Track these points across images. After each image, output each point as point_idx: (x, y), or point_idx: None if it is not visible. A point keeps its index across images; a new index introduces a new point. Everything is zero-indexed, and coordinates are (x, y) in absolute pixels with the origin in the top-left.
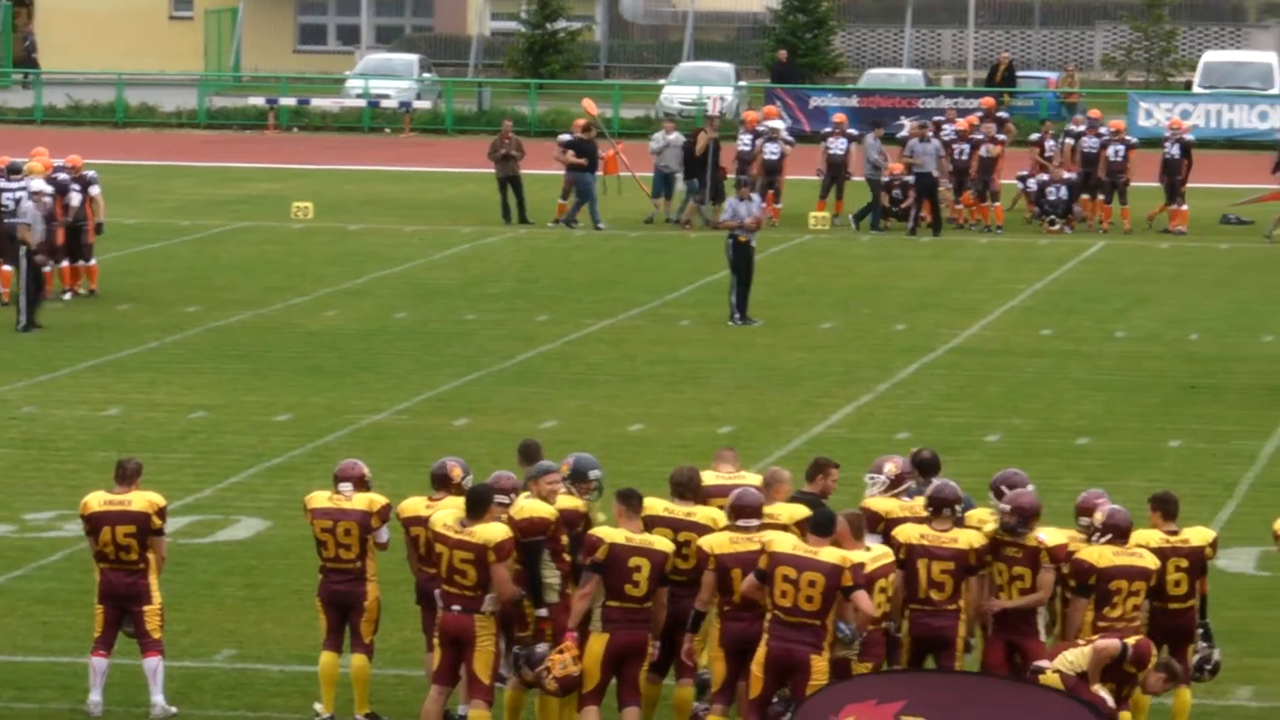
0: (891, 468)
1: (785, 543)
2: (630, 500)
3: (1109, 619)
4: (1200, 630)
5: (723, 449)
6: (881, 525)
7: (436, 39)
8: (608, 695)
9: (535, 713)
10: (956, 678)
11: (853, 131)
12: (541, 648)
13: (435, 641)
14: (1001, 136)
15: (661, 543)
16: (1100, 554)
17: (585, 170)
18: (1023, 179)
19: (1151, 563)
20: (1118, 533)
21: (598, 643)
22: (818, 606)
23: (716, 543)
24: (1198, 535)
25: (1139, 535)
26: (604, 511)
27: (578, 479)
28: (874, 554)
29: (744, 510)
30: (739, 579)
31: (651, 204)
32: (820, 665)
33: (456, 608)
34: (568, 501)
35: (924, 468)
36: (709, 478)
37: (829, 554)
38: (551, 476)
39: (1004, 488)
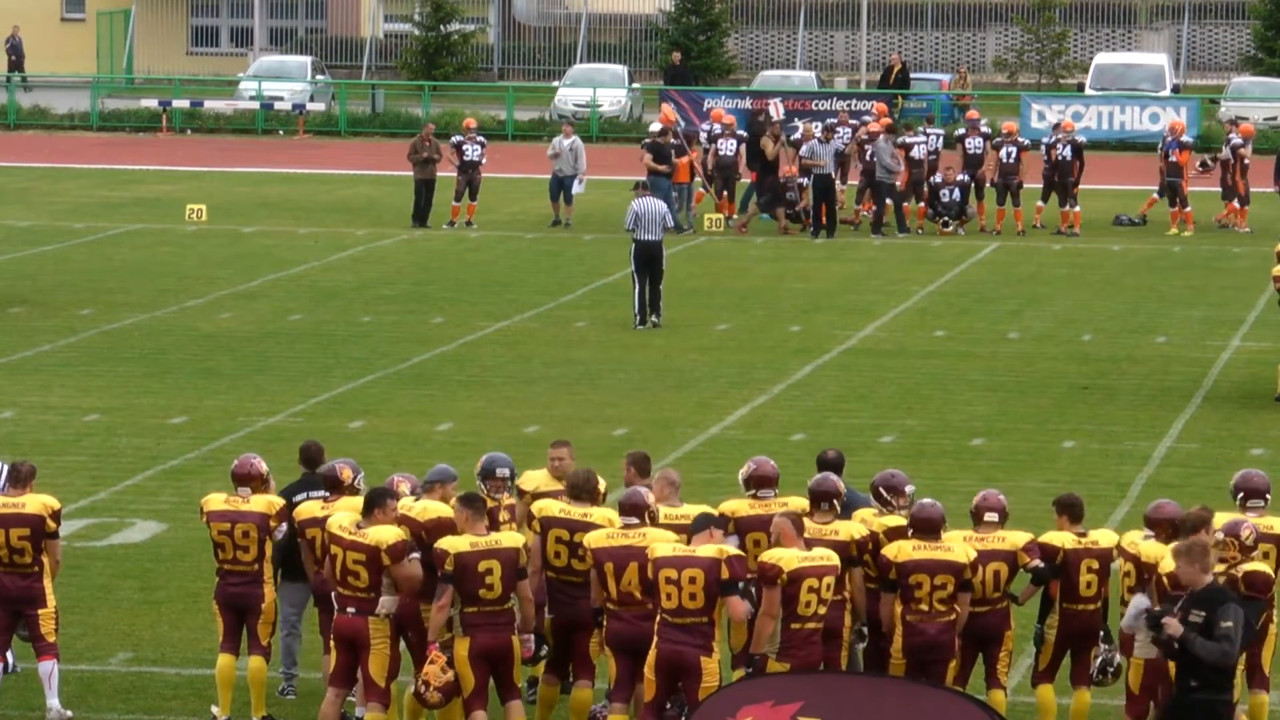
0: (750, 467)
1: (664, 546)
2: (474, 504)
3: (917, 613)
4: (1101, 632)
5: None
6: (731, 525)
7: (330, 41)
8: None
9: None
10: (854, 679)
11: (741, 133)
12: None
13: (331, 643)
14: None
15: (510, 539)
16: (900, 549)
17: (664, 176)
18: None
19: (962, 556)
20: (920, 527)
21: (461, 646)
22: (701, 604)
23: (594, 539)
24: (1105, 537)
25: (1053, 537)
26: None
27: (486, 476)
28: (811, 554)
29: (628, 509)
30: (611, 574)
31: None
32: (711, 667)
33: (351, 610)
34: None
35: (828, 468)
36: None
37: (706, 549)
38: (454, 485)
39: (882, 489)
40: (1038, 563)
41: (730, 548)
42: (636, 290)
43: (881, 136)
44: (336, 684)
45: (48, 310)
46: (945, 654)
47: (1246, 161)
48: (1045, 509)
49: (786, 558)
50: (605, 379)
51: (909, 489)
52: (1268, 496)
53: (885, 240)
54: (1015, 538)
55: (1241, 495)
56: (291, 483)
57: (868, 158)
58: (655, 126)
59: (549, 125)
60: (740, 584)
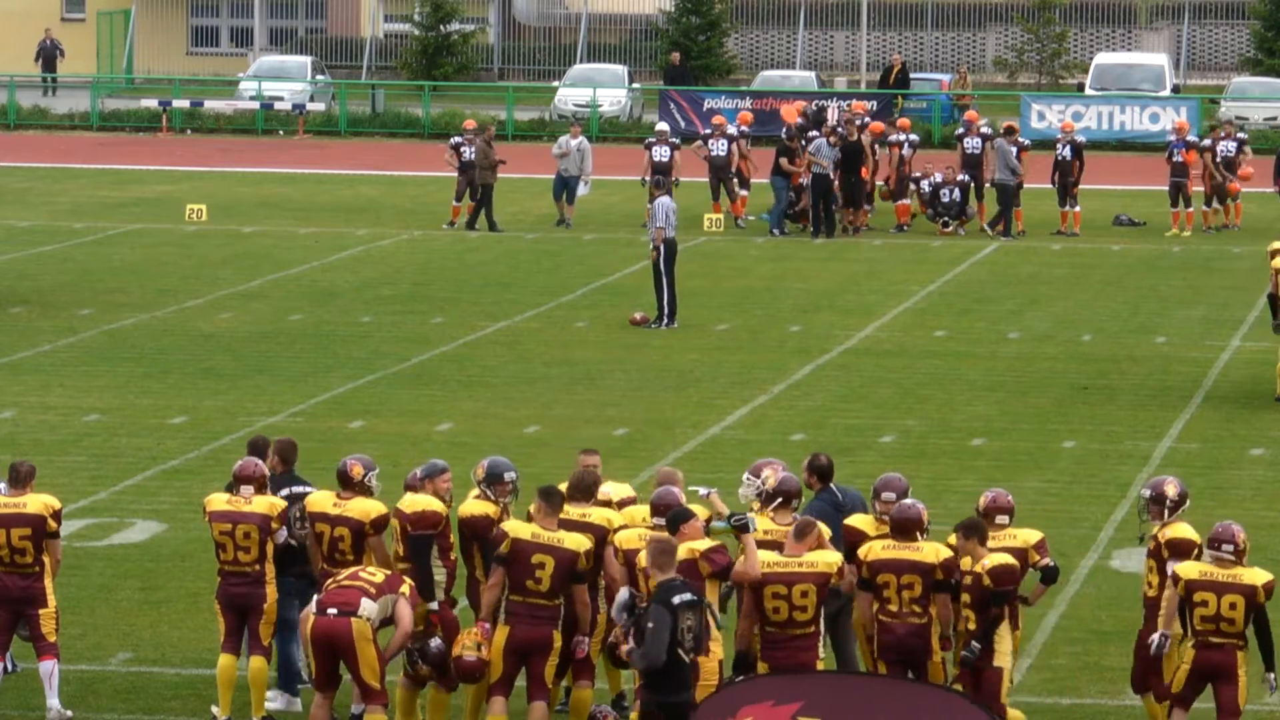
0: (770, 474)
1: (647, 555)
2: (550, 498)
3: (887, 613)
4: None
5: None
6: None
7: (330, 41)
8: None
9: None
10: (854, 679)
11: (732, 132)
12: (435, 642)
13: (310, 651)
14: (906, 137)
15: (573, 541)
16: (870, 548)
17: (785, 175)
18: (916, 180)
19: (932, 557)
20: (897, 527)
21: (499, 635)
22: None
23: (624, 539)
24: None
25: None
26: (519, 515)
27: (493, 481)
28: (787, 560)
29: (659, 509)
30: (641, 572)
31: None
32: (709, 666)
33: (332, 611)
34: (479, 507)
35: (820, 473)
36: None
37: (680, 550)
38: (447, 476)
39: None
40: (1048, 561)
41: (704, 543)
42: (668, 290)
43: (1002, 139)
44: (321, 689)
45: (48, 310)
46: (917, 655)
47: None
48: (1045, 509)
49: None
50: (605, 379)
51: (885, 495)
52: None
53: (885, 240)
54: (1026, 535)
55: (1189, 504)
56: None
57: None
58: (788, 125)
59: (549, 125)
60: (728, 570)
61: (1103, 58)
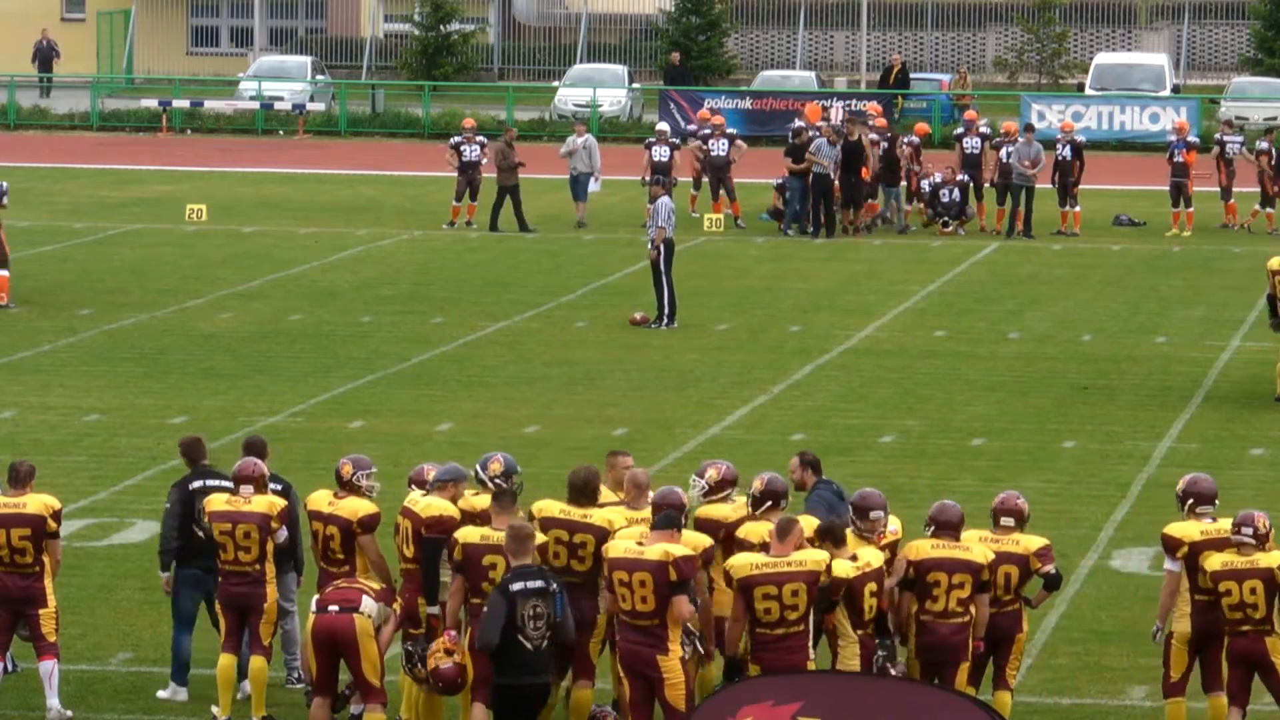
0: (713, 473)
1: (618, 547)
2: (500, 499)
3: (931, 612)
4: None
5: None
6: (723, 532)
7: (330, 41)
8: None
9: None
10: (854, 679)
11: (732, 131)
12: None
13: (310, 651)
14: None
15: None
16: (918, 548)
17: (799, 176)
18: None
19: (980, 557)
20: (940, 526)
21: (467, 636)
22: (652, 606)
23: (610, 548)
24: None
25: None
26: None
27: (510, 475)
28: (775, 560)
29: (661, 508)
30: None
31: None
32: (669, 664)
33: (334, 608)
34: (484, 502)
35: (814, 467)
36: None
37: (653, 551)
38: (465, 484)
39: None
40: (1050, 569)
41: (680, 548)
42: (668, 290)
43: (1021, 138)
44: (321, 693)
45: (47, 310)
46: (957, 655)
47: None
48: (1045, 509)
49: (738, 564)
50: (605, 379)
51: (874, 514)
52: (1216, 503)
53: (885, 240)
54: (1029, 542)
55: (1191, 501)
56: (182, 477)
57: (1004, 159)
58: (797, 123)
59: (549, 125)
60: (692, 583)
61: (1103, 58)
